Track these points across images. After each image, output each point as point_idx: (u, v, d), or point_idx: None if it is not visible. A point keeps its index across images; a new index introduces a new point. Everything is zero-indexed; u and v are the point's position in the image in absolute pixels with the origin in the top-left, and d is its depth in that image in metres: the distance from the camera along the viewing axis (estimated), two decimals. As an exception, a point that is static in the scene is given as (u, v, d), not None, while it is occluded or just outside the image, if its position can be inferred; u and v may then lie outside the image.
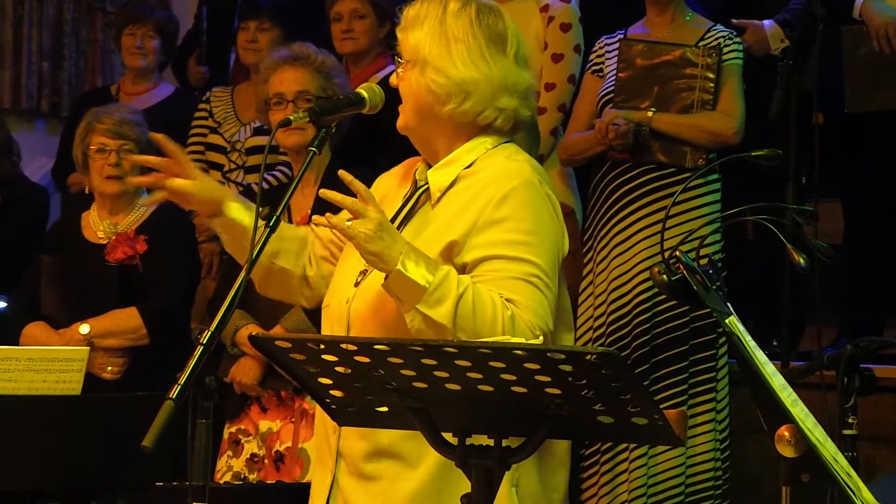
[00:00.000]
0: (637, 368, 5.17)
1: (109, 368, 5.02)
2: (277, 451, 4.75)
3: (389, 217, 3.12)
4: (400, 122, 3.23)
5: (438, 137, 3.21)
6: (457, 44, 3.16)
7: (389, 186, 3.33)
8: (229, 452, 4.85)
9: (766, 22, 5.87)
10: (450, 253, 3.09)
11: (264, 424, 4.81)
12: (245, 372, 4.79)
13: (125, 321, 5.11)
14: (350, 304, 3.16)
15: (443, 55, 3.16)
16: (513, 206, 3.09)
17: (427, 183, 3.20)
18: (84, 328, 5.08)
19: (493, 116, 3.19)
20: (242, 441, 4.84)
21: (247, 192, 5.54)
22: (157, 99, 6.51)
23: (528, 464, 3.10)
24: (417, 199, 3.21)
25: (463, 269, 3.06)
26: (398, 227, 3.16)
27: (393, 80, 3.23)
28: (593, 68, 5.55)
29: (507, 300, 3.01)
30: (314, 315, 4.55)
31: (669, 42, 5.41)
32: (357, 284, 3.17)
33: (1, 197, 5.71)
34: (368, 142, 4.99)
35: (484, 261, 3.07)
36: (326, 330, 3.25)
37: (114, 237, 5.21)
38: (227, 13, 6.91)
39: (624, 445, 5.20)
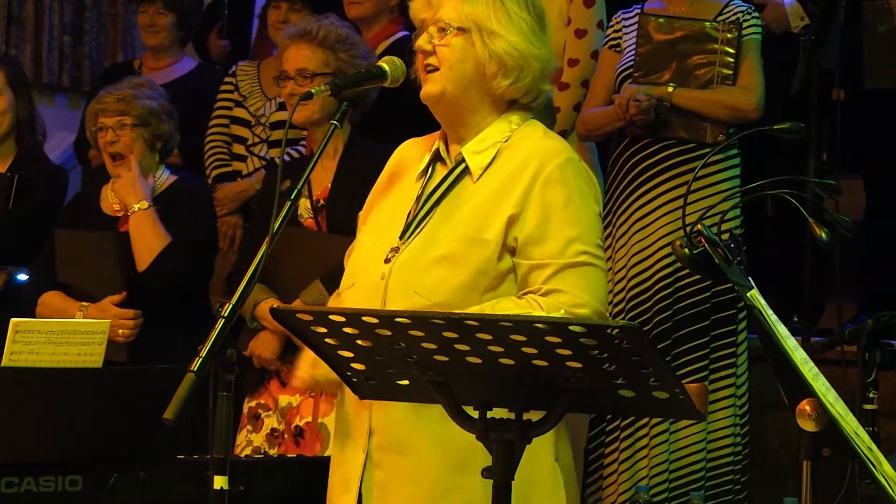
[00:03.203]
0: (658, 344, 5.17)
1: (121, 331, 5.01)
2: (297, 426, 4.75)
3: (425, 193, 3.18)
4: (434, 88, 3.19)
5: (471, 110, 3.21)
6: (519, 20, 3.18)
7: (413, 156, 3.33)
8: (249, 427, 4.87)
9: (786, -1, 5.86)
10: (510, 227, 3.11)
11: (284, 399, 4.81)
12: (264, 346, 4.80)
13: (158, 238, 5.08)
14: (387, 279, 3.16)
15: (510, 28, 3.16)
16: (560, 183, 3.12)
17: (464, 161, 3.20)
18: (144, 204, 5.07)
19: (534, 97, 3.22)
20: (262, 416, 4.85)
21: (270, 166, 5.56)
22: (178, 74, 6.52)
23: (564, 440, 3.14)
24: (457, 176, 3.20)
25: (515, 241, 3.10)
26: (434, 204, 3.18)
27: (424, 43, 3.21)
28: (610, 43, 5.53)
29: (548, 291, 3.05)
30: (334, 288, 4.56)
31: (688, 17, 5.39)
32: (388, 261, 3.17)
33: (21, 173, 5.71)
34: (393, 115, 5.00)
35: (534, 242, 3.10)
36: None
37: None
38: None
39: (643, 422, 5.20)
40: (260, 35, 6.83)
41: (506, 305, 3.07)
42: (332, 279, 4.52)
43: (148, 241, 5.09)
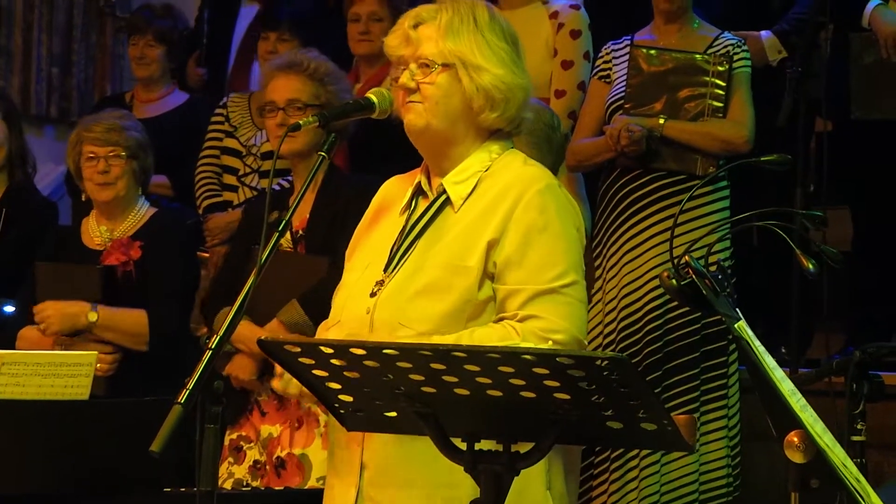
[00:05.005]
0: (649, 375, 5.17)
1: (99, 365, 5.00)
2: (278, 457, 4.73)
3: (408, 226, 3.18)
4: (418, 120, 3.18)
5: (455, 143, 3.20)
6: (499, 51, 3.18)
7: (397, 192, 3.33)
8: (230, 459, 4.84)
9: (763, 33, 5.88)
10: (490, 252, 3.11)
11: (265, 430, 4.79)
12: (241, 369, 4.78)
13: (133, 323, 5.10)
14: (372, 313, 3.15)
15: (493, 60, 3.16)
16: (539, 209, 3.12)
17: (445, 192, 3.20)
18: (93, 315, 5.08)
19: (516, 125, 3.23)
20: (244, 448, 4.83)
21: (260, 196, 5.56)
22: (170, 106, 6.54)
23: (557, 467, 3.14)
24: (439, 207, 3.20)
25: (494, 266, 3.10)
26: (417, 236, 3.17)
27: (407, 81, 3.21)
28: (600, 74, 5.55)
29: (524, 317, 3.05)
30: (311, 308, 4.55)
31: (679, 49, 5.41)
32: (373, 295, 3.17)
33: (10, 206, 5.71)
34: (379, 147, 5.00)
35: (511, 267, 3.09)
36: None
37: (109, 243, 5.22)
38: (229, 16, 6.98)
39: (633, 453, 5.20)
40: (237, 65, 6.90)
41: (483, 332, 3.06)
42: (310, 299, 4.54)
43: (129, 329, 5.10)
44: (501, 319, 3.09)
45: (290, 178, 5.36)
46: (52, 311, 5.08)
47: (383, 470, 3.13)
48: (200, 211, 6.09)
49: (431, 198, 3.22)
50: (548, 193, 3.14)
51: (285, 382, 3.13)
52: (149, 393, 4.31)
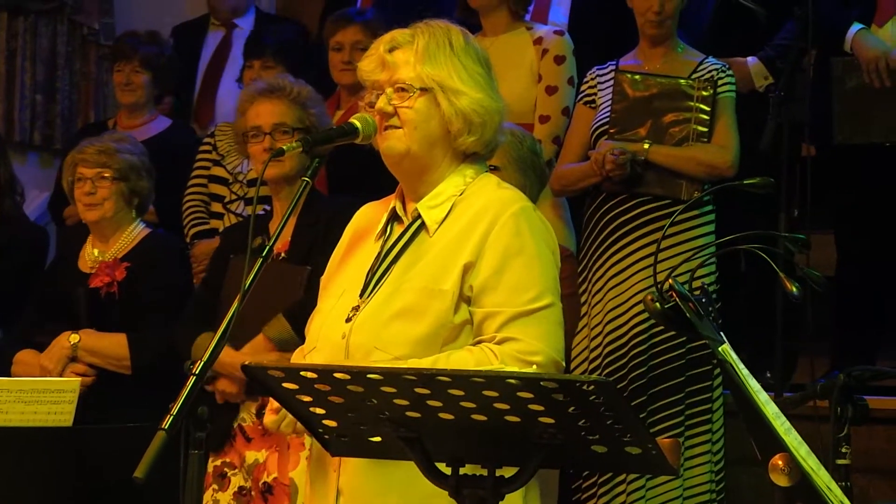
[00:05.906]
0: (634, 400, 5.17)
1: None
2: (265, 483, 4.72)
3: (383, 252, 3.17)
4: (398, 145, 3.19)
5: (432, 167, 3.21)
6: (476, 75, 3.20)
7: (371, 218, 3.34)
8: (215, 486, 4.82)
9: (749, 59, 5.91)
10: (466, 275, 3.12)
11: (250, 456, 4.77)
12: (226, 384, 4.77)
13: (114, 347, 5.11)
14: (348, 338, 3.15)
15: (470, 84, 3.18)
16: (514, 232, 3.13)
17: (420, 217, 3.20)
18: (74, 337, 5.10)
19: (491, 148, 3.24)
20: (229, 474, 4.81)
21: (246, 221, 5.56)
22: (153, 132, 6.55)
23: (533, 491, 3.13)
24: (414, 231, 3.21)
25: (471, 290, 3.10)
26: (392, 261, 3.18)
27: (385, 105, 3.22)
28: (585, 99, 5.56)
29: (502, 339, 3.05)
30: (297, 323, 4.55)
31: (664, 74, 5.42)
32: (349, 320, 3.17)
33: (2, 234, 5.71)
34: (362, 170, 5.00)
35: (488, 290, 3.10)
36: None
37: (98, 265, 5.23)
38: (196, 43, 7.00)
39: (621, 478, 5.20)
40: (202, 92, 6.96)
41: (460, 356, 3.06)
42: (295, 313, 4.53)
43: (111, 353, 5.11)
44: (479, 342, 3.10)
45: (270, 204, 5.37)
46: (45, 360, 5.11)
47: (359, 495, 3.13)
48: (188, 239, 6.10)
49: (406, 223, 3.23)
50: (522, 216, 3.15)
51: (278, 421, 3.12)
52: (137, 414, 4.30)
